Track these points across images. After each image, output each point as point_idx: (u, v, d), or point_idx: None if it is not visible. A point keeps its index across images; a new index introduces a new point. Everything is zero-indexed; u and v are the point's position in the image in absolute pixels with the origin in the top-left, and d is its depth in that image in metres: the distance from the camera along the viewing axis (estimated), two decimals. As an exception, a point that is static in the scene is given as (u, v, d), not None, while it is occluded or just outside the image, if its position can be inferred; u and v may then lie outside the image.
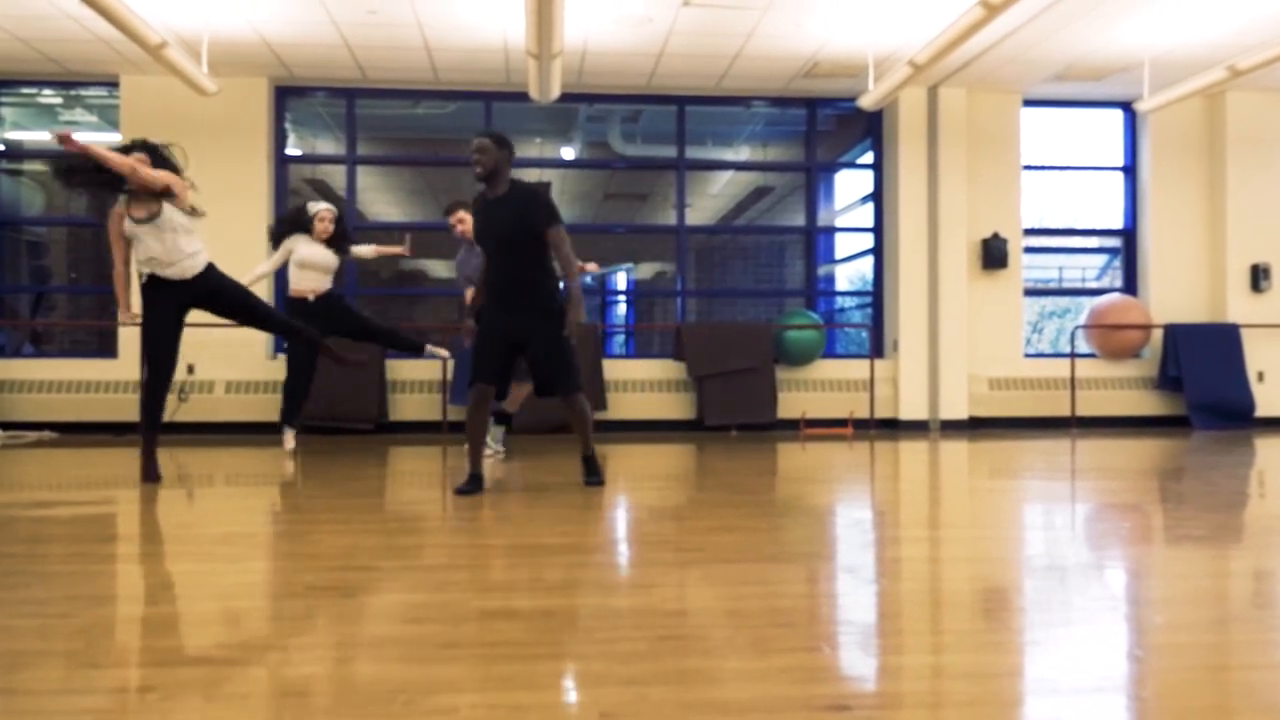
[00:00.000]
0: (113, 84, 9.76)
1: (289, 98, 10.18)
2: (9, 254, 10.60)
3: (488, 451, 7.14)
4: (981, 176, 10.16)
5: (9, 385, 9.46)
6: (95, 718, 1.99)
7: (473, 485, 5.21)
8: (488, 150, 5.14)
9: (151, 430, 5.85)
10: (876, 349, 10.36)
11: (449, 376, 9.59)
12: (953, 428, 9.96)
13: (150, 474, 5.77)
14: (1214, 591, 3.20)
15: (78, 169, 5.45)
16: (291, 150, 10.60)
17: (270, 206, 9.86)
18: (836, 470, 6.72)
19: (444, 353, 7.85)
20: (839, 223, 11.85)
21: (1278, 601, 3.10)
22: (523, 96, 9.33)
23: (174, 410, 9.54)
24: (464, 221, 7.15)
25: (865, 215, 10.91)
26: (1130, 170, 10.77)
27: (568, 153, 11.94)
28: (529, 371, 5.46)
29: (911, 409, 10.08)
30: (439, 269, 15.81)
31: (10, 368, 9.56)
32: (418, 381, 9.78)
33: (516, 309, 5.24)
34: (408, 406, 9.73)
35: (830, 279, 12.01)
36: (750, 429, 9.74)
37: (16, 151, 10.65)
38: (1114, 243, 11.04)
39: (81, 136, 5.27)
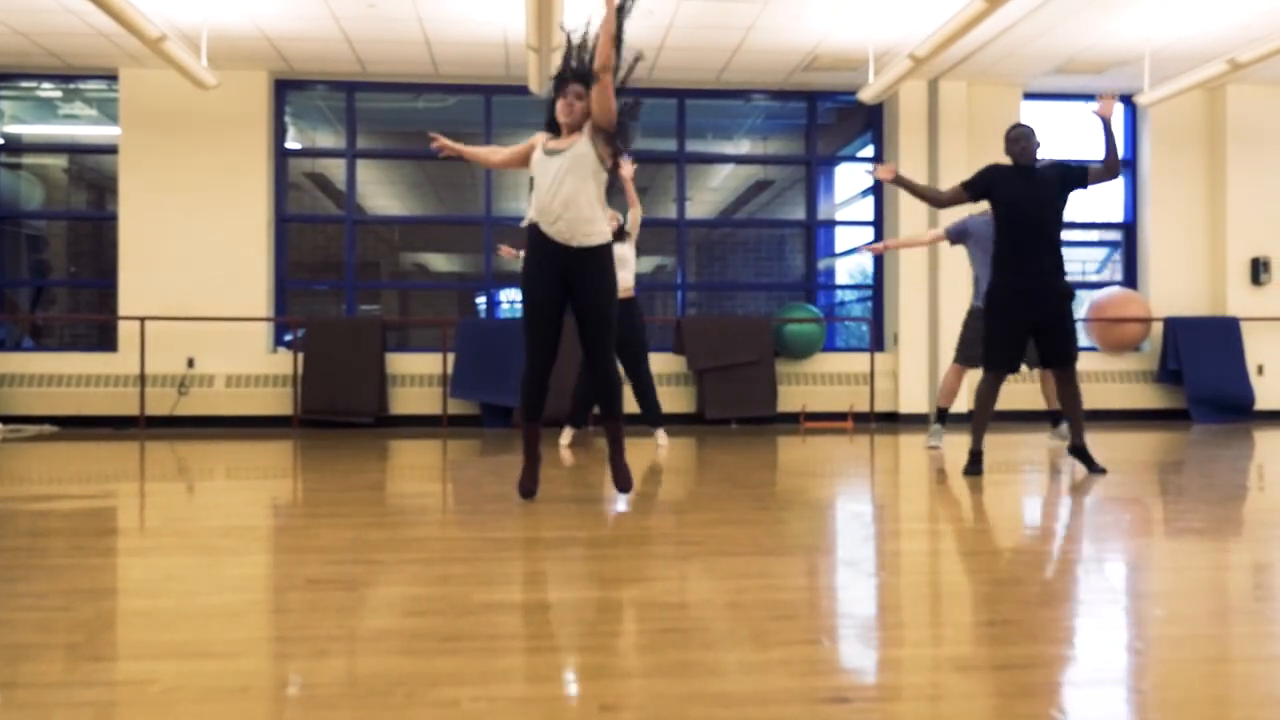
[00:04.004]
0: (112, 77, 9.75)
1: (289, 91, 10.16)
2: (8, 248, 10.58)
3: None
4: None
5: (9, 379, 9.46)
6: (96, 711, 1.99)
7: (975, 466, 5.62)
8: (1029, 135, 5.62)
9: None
10: (877, 342, 10.36)
11: (448, 370, 9.59)
12: (953, 420, 9.94)
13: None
14: (1214, 584, 3.21)
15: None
16: (291, 144, 10.59)
17: (270, 200, 9.85)
18: (837, 464, 6.72)
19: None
20: (839, 216, 11.85)
21: (1277, 594, 3.11)
22: (523, 89, 9.32)
23: (174, 404, 9.54)
24: None
25: (865, 209, 10.90)
26: (1130, 164, 10.76)
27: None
28: (1039, 348, 5.68)
29: (912, 402, 10.08)
30: (439, 262, 15.81)
31: (10, 361, 9.56)
32: (418, 375, 9.77)
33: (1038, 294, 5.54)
34: (408, 400, 9.74)
35: (830, 272, 12.00)
36: (750, 422, 9.74)
37: (16, 145, 10.64)
38: (1114, 236, 11.03)
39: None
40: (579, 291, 4.48)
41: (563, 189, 4.40)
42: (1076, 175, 5.64)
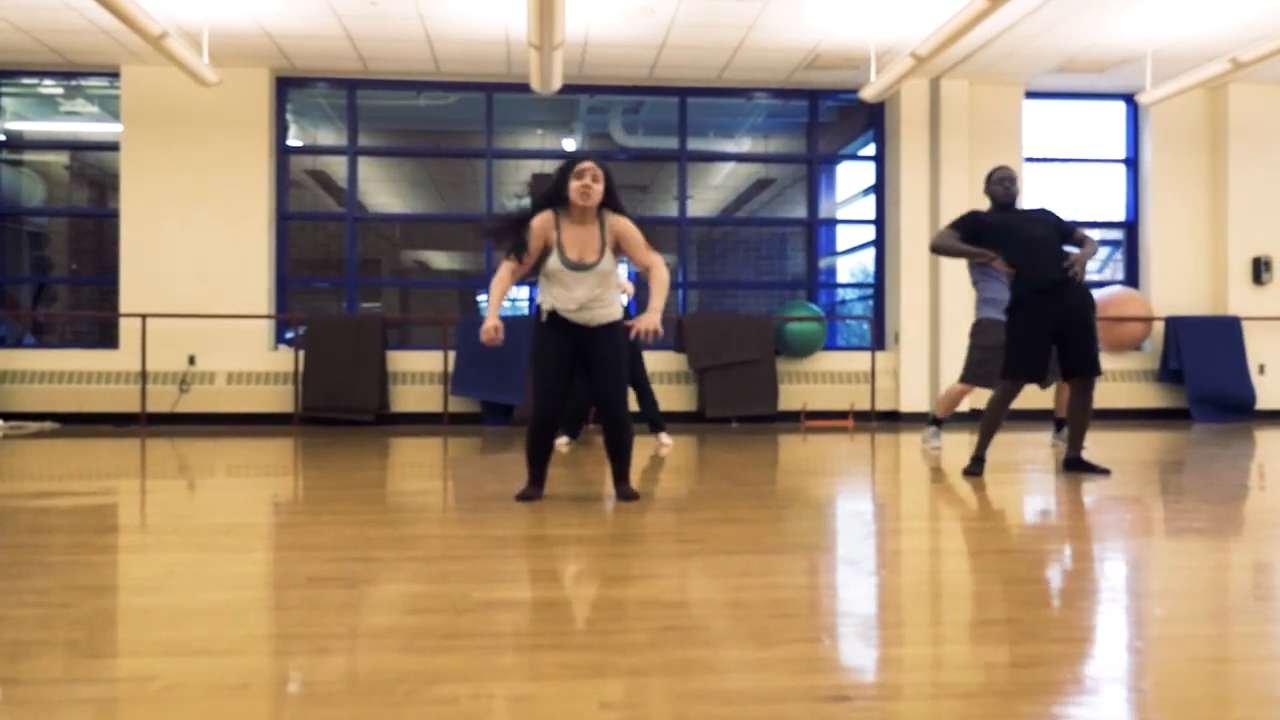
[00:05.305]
0: (114, 74, 9.75)
1: (290, 88, 10.16)
2: (10, 245, 10.59)
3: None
4: (983, 169, 10.08)
5: (10, 376, 9.46)
6: (97, 707, 2.00)
7: (976, 468, 5.67)
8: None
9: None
10: (878, 341, 10.36)
11: (449, 368, 9.59)
12: (954, 420, 9.95)
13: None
14: (1214, 584, 3.21)
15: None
16: (292, 141, 10.58)
17: (271, 198, 9.85)
18: (837, 462, 6.72)
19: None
20: (840, 215, 11.84)
21: (1277, 594, 3.11)
22: (524, 88, 9.32)
23: (175, 401, 9.55)
24: None
25: (867, 207, 10.90)
26: (1132, 163, 10.75)
27: (569, 144, 11.92)
28: (1060, 357, 5.67)
29: (912, 401, 10.07)
30: (440, 260, 15.82)
31: (11, 358, 9.57)
32: (419, 373, 9.77)
33: (1059, 300, 5.53)
34: (409, 398, 9.74)
35: (831, 271, 12.00)
36: (751, 421, 9.74)
37: (18, 142, 10.64)
38: (1116, 235, 11.02)
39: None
40: (595, 359, 4.61)
41: (587, 294, 4.52)
42: (1066, 227, 5.69)
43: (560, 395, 4.64)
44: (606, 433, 4.72)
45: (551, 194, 4.55)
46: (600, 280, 4.53)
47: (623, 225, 4.57)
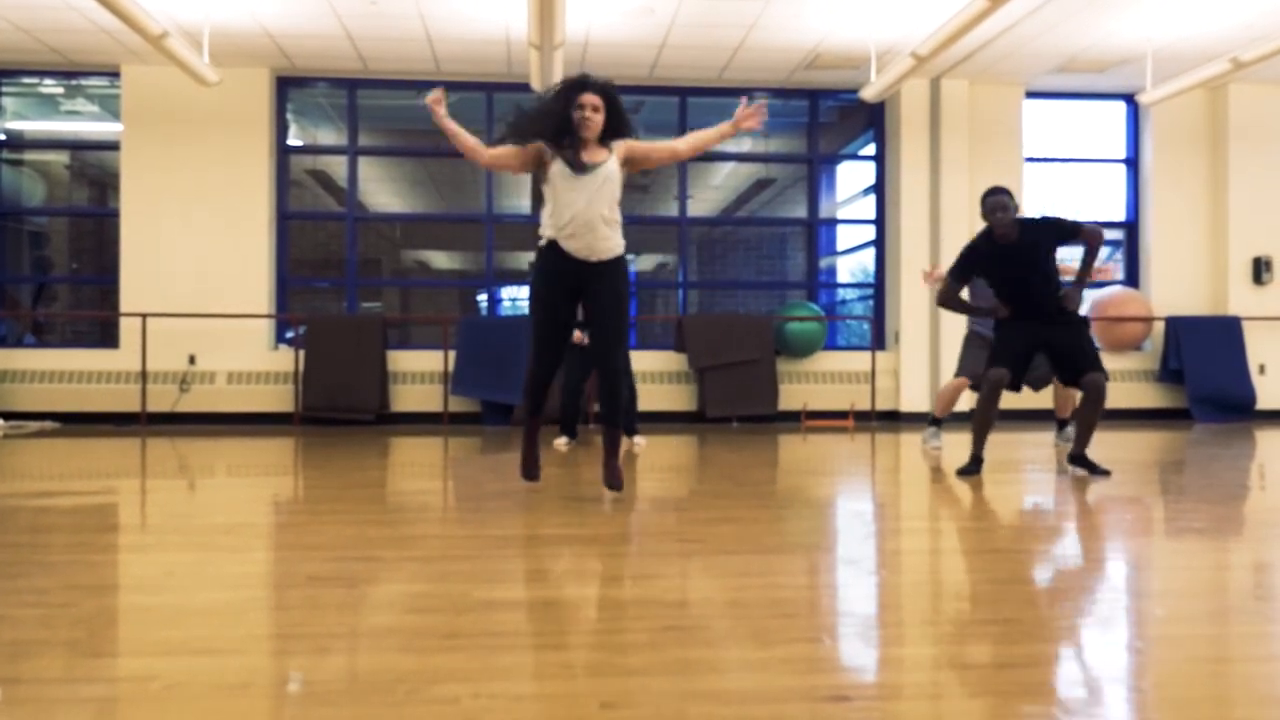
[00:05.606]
0: (114, 74, 9.75)
1: (290, 88, 10.16)
2: (10, 244, 10.59)
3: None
4: (983, 169, 10.13)
5: (11, 375, 9.46)
6: (97, 707, 2.00)
7: (974, 467, 5.56)
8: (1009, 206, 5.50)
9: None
10: (878, 341, 10.35)
11: (449, 368, 9.59)
12: (954, 420, 9.95)
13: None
14: (1214, 584, 3.21)
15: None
16: (293, 141, 10.58)
17: (271, 197, 9.85)
18: (837, 462, 6.72)
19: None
20: (841, 215, 11.84)
21: (1277, 594, 3.11)
22: (524, 88, 9.31)
23: (175, 401, 9.55)
24: None
25: (867, 207, 10.89)
26: (1132, 163, 10.75)
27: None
28: (1054, 368, 5.69)
29: (913, 401, 10.07)
30: (440, 260, 15.81)
31: (12, 358, 9.56)
32: (419, 373, 9.77)
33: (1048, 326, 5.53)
34: (409, 397, 9.74)
35: (832, 271, 11.99)
36: (751, 421, 9.74)
37: (18, 141, 10.64)
38: (1116, 235, 11.01)
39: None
40: (594, 301, 4.44)
41: (591, 207, 4.31)
42: (1068, 230, 5.61)
43: (558, 337, 4.50)
44: (601, 383, 4.55)
45: (550, 127, 4.33)
46: (602, 184, 4.32)
47: (629, 144, 4.43)
